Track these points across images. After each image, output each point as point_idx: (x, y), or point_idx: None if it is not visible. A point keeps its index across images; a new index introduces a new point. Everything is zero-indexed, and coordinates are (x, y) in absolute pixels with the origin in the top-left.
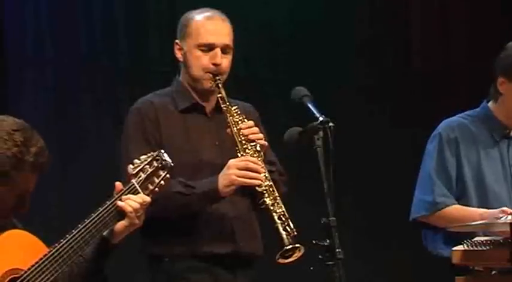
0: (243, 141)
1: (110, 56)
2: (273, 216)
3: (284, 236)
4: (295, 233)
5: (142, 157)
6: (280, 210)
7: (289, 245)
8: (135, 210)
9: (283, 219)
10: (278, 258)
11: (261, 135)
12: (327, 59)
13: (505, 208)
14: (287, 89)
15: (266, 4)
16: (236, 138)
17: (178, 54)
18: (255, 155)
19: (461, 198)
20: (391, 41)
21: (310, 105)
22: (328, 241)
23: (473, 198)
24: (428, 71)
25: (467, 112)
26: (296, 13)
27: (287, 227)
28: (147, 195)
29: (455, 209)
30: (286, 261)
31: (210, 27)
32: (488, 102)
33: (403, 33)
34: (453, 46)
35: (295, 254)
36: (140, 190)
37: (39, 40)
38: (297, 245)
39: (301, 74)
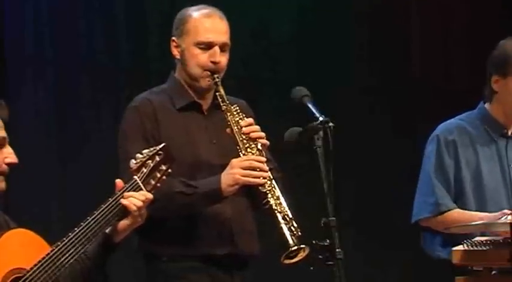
0: (245, 141)
1: (110, 56)
2: (277, 217)
3: (289, 237)
4: (300, 233)
5: (145, 151)
6: (284, 210)
7: (294, 246)
8: (139, 208)
9: (288, 219)
10: (283, 260)
11: (262, 134)
12: (327, 59)
13: (505, 211)
14: (287, 89)
15: (266, 4)
16: (237, 137)
17: (175, 52)
18: (257, 154)
19: (459, 200)
20: (391, 41)
21: (310, 105)
22: (328, 241)
23: (471, 199)
24: (428, 71)
25: (464, 114)
26: (296, 13)
27: (291, 227)
28: (149, 190)
29: (457, 213)
30: (291, 261)
31: (208, 25)
32: (484, 103)
33: (403, 33)
34: (453, 48)
35: (300, 254)
36: (143, 186)
37: (39, 40)
38: (302, 246)
39: (301, 74)
